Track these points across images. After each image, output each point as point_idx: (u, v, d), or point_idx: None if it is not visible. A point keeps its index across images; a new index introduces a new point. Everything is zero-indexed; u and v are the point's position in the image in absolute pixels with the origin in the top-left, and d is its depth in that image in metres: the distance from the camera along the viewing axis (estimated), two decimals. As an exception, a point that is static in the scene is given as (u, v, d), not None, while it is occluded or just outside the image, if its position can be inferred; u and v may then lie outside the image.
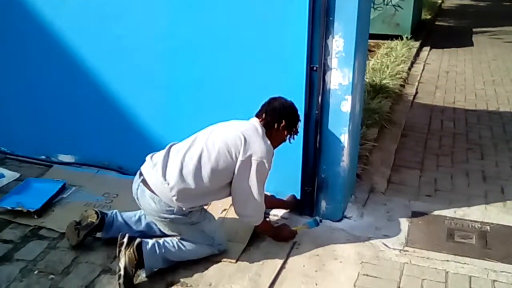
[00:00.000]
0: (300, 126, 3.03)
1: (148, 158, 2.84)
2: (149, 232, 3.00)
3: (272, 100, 2.91)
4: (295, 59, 3.03)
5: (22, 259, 2.94)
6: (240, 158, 2.71)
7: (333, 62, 2.98)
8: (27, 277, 2.79)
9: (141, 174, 2.78)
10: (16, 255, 2.97)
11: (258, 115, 2.90)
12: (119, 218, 3.01)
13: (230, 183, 2.78)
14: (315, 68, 3.00)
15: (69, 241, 2.99)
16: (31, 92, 3.99)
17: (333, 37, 2.93)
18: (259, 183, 2.77)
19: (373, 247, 3.08)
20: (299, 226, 3.22)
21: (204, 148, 2.72)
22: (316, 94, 3.05)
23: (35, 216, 3.31)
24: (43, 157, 4.15)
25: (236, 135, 2.74)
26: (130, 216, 3.05)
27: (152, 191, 2.69)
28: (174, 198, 2.65)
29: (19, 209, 3.32)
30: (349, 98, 3.03)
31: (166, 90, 3.57)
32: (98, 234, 3.03)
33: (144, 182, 2.73)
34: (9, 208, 3.35)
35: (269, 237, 3.12)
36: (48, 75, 3.87)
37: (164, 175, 2.68)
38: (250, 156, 2.72)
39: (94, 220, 2.94)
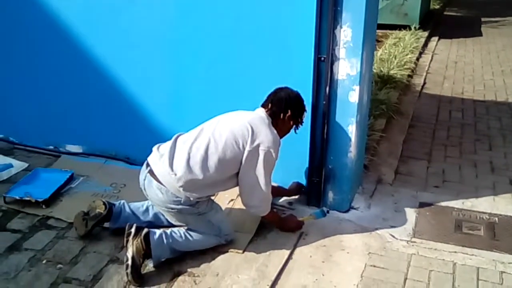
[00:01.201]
0: (307, 116, 3.03)
1: (154, 149, 2.84)
2: (156, 223, 3.01)
3: (278, 90, 2.90)
4: (303, 49, 3.01)
5: (31, 248, 2.95)
6: (247, 148, 2.71)
7: (341, 52, 2.96)
8: (35, 266, 2.80)
9: (148, 165, 2.79)
10: (24, 245, 2.98)
11: (264, 105, 2.89)
12: (127, 209, 3.02)
13: (238, 173, 2.79)
14: (323, 59, 2.98)
15: (77, 231, 3.00)
16: (39, 82, 3.99)
17: (341, 27, 2.90)
18: (266, 173, 2.77)
19: (380, 238, 3.08)
20: (306, 217, 3.22)
21: (211, 139, 2.72)
22: (324, 84, 3.03)
23: (43, 206, 3.33)
24: (51, 147, 4.16)
25: (243, 125, 2.74)
26: (138, 206, 3.06)
27: (159, 182, 2.69)
28: (181, 188, 2.65)
29: (28, 199, 3.34)
30: (357, 88, 3.01)
31: (173, 80, 3.56)
32: (106, 224, 3.05)
33: (151, 172, 2.74)
34: (17, 198, 3.36)
35: (276, 228, 3.12)
36: (56, 66, 3.87)
37: (171, 165, 2.68)
38: (258, 145, 2.72)
39: (102, 211, 2.95)
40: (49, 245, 2.99)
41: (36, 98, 4.05)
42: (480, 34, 10.14)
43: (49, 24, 3.71)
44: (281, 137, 2.88)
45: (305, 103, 2.96)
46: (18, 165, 3.91)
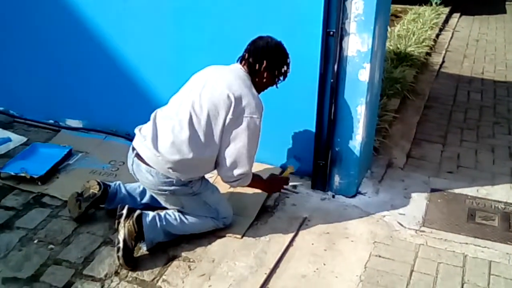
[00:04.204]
0: (313, 95, 2.86)
1: (137, 131, 2.68)
2: (154, 204, 2.86)
3: (258, 38, 2.66)
4: (311, 22, 2.82)
5: (23, 227, 2.85)
6: (229, 116, 2.50)
7: (352, 26, 2.75)
8: (26, 246, 2.71)
9: (133, 149, 2.64)
10: (17, 223, 2.88)
11: (241, 59, 2.67)
12: (123, 190, 2.89)
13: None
14: (331, 33, 2.78)
15: (70, 213, 2.88)
16: (40, 55, 3.86)
17: (352, -1, 2.70)
18: (251, 143, 2.56)
19: (387, 226, 2.91)
20: (287, 171, 3.09)
21: (192, 113, 2.52)
22: (332, 61, 2.84)
23: (39, 183, 3.22)
24: (51, 121, 4.06)
25: (223, 93, 2.51)
26: (134, 187, 2.92)
27: (148, 165, 2.54)
28: (170, 170, 2.51)
29: (23, 175, 3.23)
30: (367, 66, 2.81)
31: (176, 52, 3.40)
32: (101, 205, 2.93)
33: (138, 156, 2.59)
34: (12, 173, 3.25)
35: (277, 212, 2.99)
36: (56, 39, 3.74)
37: (156, 147, 2.52)
38: (241, 114, 2.51)
39: (96, 192, 2.81)
40: (42, 224, 2.89)
41: (37, 71, 3.93)
42: (504, 12, 9.74)
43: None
44: (259, 93, 2.65)
45: (289, 55, 2.67)
46: (16, 139, 3.82)
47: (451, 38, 7.56)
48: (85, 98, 3.87)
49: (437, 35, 7.34)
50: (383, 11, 2.88)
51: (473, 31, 8.16)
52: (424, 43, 6.38)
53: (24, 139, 3.84)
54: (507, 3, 10.50)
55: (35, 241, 2.75)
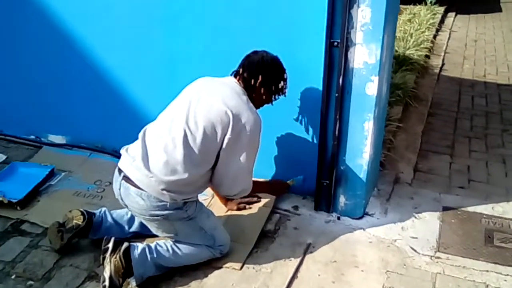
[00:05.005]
0: (316, 111, 2.63)
1: (123, 151, 2.44)
2: (144, 232, 2.61)
3: (252, 53, 2.50)
4: (313, 32, 2.59)
5: (0, 260, 2.59)
6: (228, 135, 2.31)
7: (358, 36, 2.51)
8: (3, 282, 2.44)
9: (120, 171, 2.39)
10: (-7, 255, 2.63)
11: (235, 74, 2.49)
12: (109, 218, 2.63)
13: None
14: (336, 44, 2.54)
15: (51, 244, 2.61)
16: (20, 68, 3.61)
17: (358, 7, 2.45)
18: (250, 159, 2.41)
19: (399, 252, 2.68)
20: (289, 181, 3.05)
21: (187, 131, 2.30)
22: (337, 74, 2.59)
23: (18, 208, 2.96)
24: (32, 137, 3.78)
25: (220, 110, 2.31)
26: (122, 214, 2.67)
27: (138, 187, 2.30)
28: (164, 191, 2.27)
29: (0, 199, 2.97)
30: (375, 79, 2.57)
31: (165, 65, 3.15)
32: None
33: (126, 179, 2.34)
34: (-11, 198, 2.99)
35: (278, 237, 2.76)
36: (38, 50, 3.48)
37: (147, 167, 2.29)
38: (240, 131, 2.32)
39: (80, 222, 2.55)
40: (21, 256, 2.62)
41: (17, 84, 3.66)
42: (500, 10, 9.54)
43: (29, 8, 3.32)
44: (257, 108, 2.47)
45: (286, 70, 2.54)
46: (-5, 157, 3.55)
47: (449, 38, 7.34)
48: (69, 112, 3.60)
49: (434, 36, 7.11)
50: (391, 19, 2.65)
51: (470, 31, 7.95)
52: (422, 45, 6.14)
53: (3, 157, 3.57)
54: (501, 1, 10.32)
55: (13, 277, 2.49)
